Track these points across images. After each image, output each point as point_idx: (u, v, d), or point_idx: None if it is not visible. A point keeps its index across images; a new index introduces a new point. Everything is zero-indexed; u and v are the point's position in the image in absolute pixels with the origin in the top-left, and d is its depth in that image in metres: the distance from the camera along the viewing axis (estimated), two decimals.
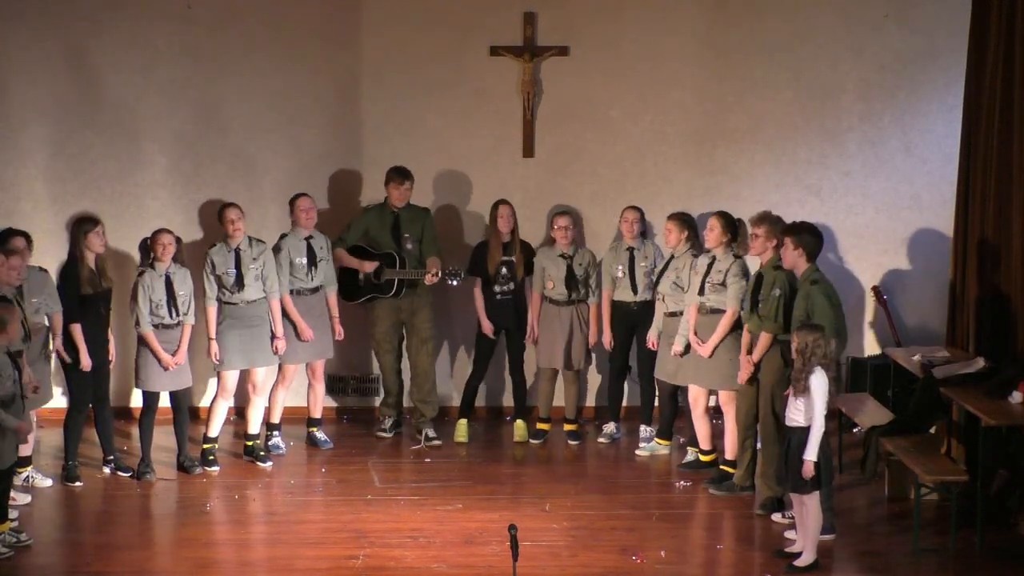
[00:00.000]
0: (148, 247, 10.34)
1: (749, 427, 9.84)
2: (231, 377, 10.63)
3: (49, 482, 10.17)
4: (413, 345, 11.31)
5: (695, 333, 10.21)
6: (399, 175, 11.17)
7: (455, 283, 11.08)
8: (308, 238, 10.89)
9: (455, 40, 11.75)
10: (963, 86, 11.05)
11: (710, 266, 10.18)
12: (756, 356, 9.55)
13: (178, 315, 10.28)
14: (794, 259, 9.29)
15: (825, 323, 8.97)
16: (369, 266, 11.13)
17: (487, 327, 11.22)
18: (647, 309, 10.92)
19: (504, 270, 11.16)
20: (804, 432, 8.62)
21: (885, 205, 11.93)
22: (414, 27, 11.72)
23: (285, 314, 10.77)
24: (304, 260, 10.85)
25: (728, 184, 11.85)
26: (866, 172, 11.89)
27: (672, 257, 10.68)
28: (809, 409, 8.58)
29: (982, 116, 10.66)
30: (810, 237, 9.29)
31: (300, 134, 11.78)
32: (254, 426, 10.80)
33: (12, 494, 9.30)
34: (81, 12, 11.53)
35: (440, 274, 10.99)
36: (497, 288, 11.19)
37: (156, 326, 10.24)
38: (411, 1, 11.74)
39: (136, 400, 11.43)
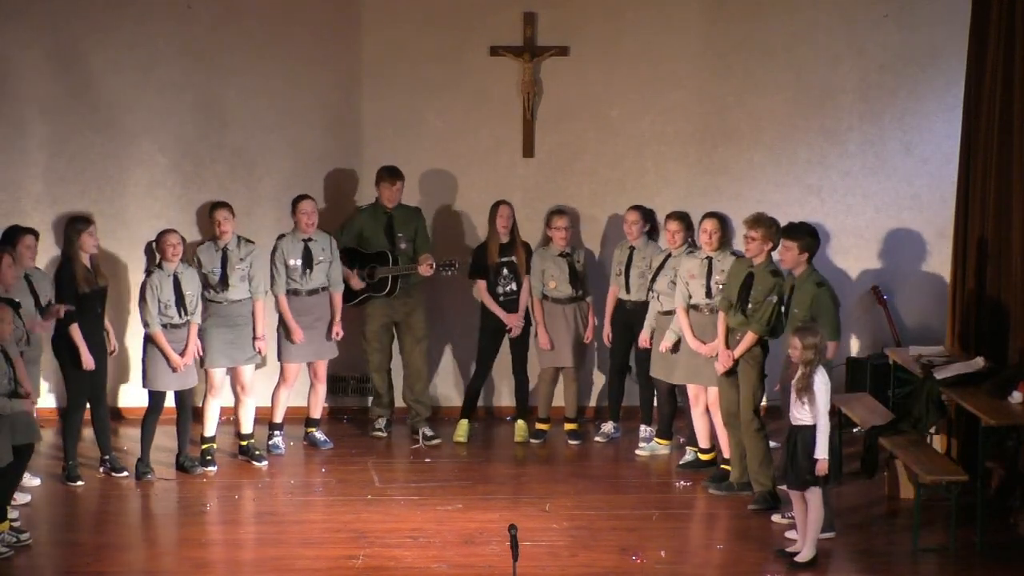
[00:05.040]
0: (153, 249, 10.36)
1: (734, 426, 9.86)
2: (218, 375, 10.62)
3: (37, 481, 10.14)
4: (407, 345, 11.30)
5: (694, 334, 10.22)
6: (391, 175, 11.16)
7: (450, 274, 11.10)
8: (307, 240, 10.88)
9: (455, 40, 11.74)
10: (963, 86, 11.04)
11: (710, 268, 10.20)
12: (738, 353, 9.63)
13: (186, 314, 10.29)
14: (798, 261, 9.34)
15: (830, 325, 9.15)
16: (357, 284, 11.11)
17: (509, 319, 11.17)
18: (641, 309, 10.91)
19: (505, 271, 11.16)
20: (810, 430, 8.67)
21: (885, 205, 11.92)
22: (414, 27, 11.72)
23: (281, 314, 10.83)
24: (299, 262, 10.85)
25: (728, 184, 11.84)
26: (866, 172, 11.88)
27: (669, 256, 10.67)
28: (813, 408, 8.63)
29: (982, 116, 10.65)
30: (812, 239, 9.39)
31: (300, 134, 11.77)
32: (246, 426, 10.80)
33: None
34: (81, 12, 11.53)
35: (435, 266, 11.00)
36: (500, 289, 11.19)
37: (165, 326, 10.24)
38: (411, 1, 11.74)
39: (127, 400, 11.46)
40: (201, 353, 10.50)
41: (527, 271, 11.23)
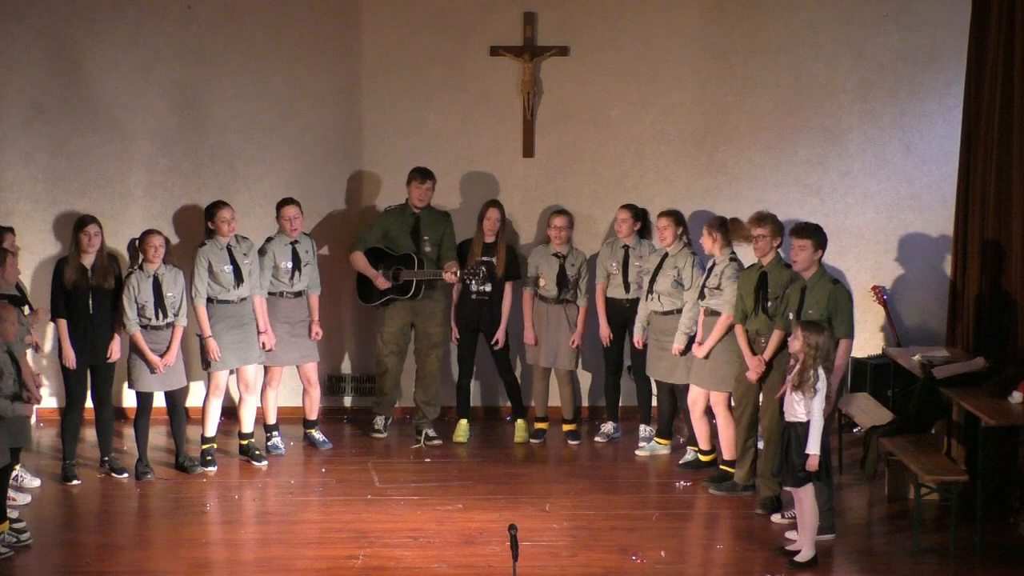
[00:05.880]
0: (136, 248, 10.34)
1: (751, 426, 9.85)
2: (223, 376, 10.62)
3: (38, 482, 10.14)
4: (423, 348, 11.28)
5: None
6: (420, 174, 11.15)
7: (473, 283, 11.07)
8: (293, 243, 10.86)
9: (455, 40, 11.75)
10: (963, 86, 11.06)
11: (710, 270, 10.19)
12: (768, 354, 9.54)
13: (165, 316, 10.25)
14: (812, 260, 9.25)
15: (847, 323, 9.13)
16: (383, 284, 11.10)
17: (453, 330, 11.30)
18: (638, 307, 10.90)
19: (483, 270, 11.13)
20: (804, 427, 8.66)
21: (885, 205, 11.93)
22: (414, 27, 11.73)
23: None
24: (289, 264, 10.83)
25: (728, 184, 11.85)
26: (866, 172, 11.89)
27: (666, 255, 10.65)
28: (809, 405, 8.63)
29: (982, 116, 10.66)
30: (823, 237, 9.31)
31: (300, 134, 11.78)
32: (247, 425, 10.80)
33: (11, 494, 9.31)
34: (81, 12, 11.54)
35: (459, 274, 10.98)
36: (474, 288, 11.17)
37: (144, 327, 10.22)
38: (411, 1, 11.75)
39: (125, 400, 11.45)
40: (218, 355, 10.46)
41: (507, 275, 11.20)
